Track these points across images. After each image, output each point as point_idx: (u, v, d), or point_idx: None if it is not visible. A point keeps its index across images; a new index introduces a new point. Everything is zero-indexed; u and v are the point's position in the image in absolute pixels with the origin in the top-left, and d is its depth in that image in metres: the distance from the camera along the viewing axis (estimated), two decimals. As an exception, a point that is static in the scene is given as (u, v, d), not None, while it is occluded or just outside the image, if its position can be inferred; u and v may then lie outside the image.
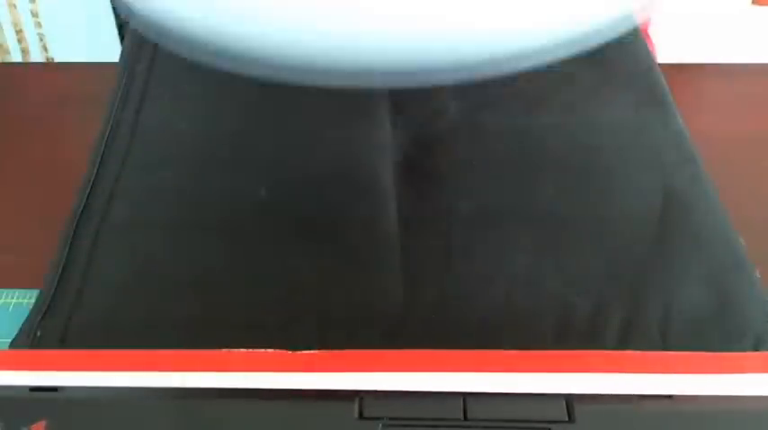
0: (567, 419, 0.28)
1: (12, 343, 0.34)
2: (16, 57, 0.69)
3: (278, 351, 0.32)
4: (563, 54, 0.32)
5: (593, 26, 0.32)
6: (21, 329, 0.35)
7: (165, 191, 0.41)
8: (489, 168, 0.43)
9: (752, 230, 0.41)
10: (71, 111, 0.51)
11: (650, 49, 0.59)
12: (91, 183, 0.41)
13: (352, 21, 0.29)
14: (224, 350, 0.32)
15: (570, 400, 0.29)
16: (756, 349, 0.35)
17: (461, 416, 0.29)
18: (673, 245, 0.39)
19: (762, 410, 0.30)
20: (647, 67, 0.50)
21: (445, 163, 0.43)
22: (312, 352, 0.32)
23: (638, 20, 0.31)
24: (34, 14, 0.67)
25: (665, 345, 0.35)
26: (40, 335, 0.35)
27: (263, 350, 0.32)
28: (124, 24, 0.71)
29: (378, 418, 0.28)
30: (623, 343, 0.35)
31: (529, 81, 0.49)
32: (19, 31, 0.67)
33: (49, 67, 0.66)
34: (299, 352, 0.32)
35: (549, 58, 0.32)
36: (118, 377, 0.30)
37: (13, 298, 0.38)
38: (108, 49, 0.48)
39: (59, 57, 0.69)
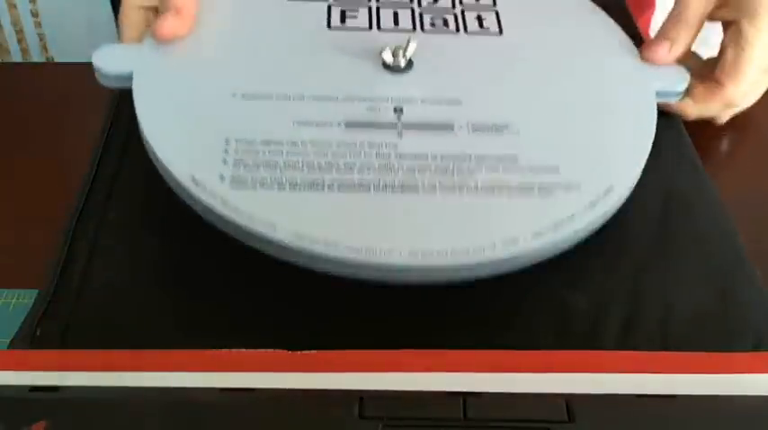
0: (566, 419, 0.28)
1: (11, 343, 0.34)
2: (16, 57, 0.69)
3: (278, 351, 0.32)
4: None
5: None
6: (20, 329, 0.35)
7: (165, 190, 0.41)
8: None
9: (752, 230, 0.41)
10: (71, 111, 0.51)
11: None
12: (90, 183, 0.41)
13: None
14: (224, 350, 0.32)
15: (570, 400, 0.29)
16: (757, 349, 0.35)
17: (461, 416, 0.29)
18: (673, 244, 0.39)
19: (762, 411, 0.30)
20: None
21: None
22: (312, 352, 0.32)
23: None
24: (34, 14, 0.67)
25: (665, 345, 0.35)
26: (39, 335, 0.35)
27: (263, 350, 0.32)
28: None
29: (378, 418, 0.28)
30: (623, 343, 0.35)
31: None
32: (19, 31, 0.67)
33: (49, 66, 0.66)
34: (298, 352, 0.32)
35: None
36: (118, 377, 0.30)
37: (12, 298, 0.38)
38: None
39: (59, 57, 0.69)
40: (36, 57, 0.69)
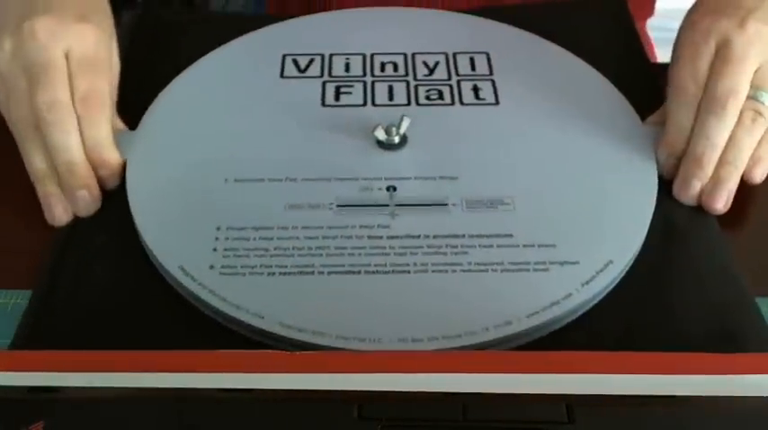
0: (566, 420, 0.28)
1: (9, 344, 0.34)
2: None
3: (278, 351, 0.32)
4: None
5: None
6: (18, 330, 0.35)
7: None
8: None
9: (750, 233, 0.41)
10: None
11: (649, 49, 0.59)
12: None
13: None
14: (223, 350, 0.32)
15: (570, 401, 0.29)
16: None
17: (460, 416, 0.29)
18: (671, 274, 0.38)
19: (762, 411, 0.30)
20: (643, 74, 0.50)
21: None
22: (312, 352, 0.32)
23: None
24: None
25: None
26: (37, 336, 0.35)
27: (262, 351, 0.32)
28: (122, 24, 0.71)
29: (377, 419, 0.28)
30: (623, 344, 0.35)
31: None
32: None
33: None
34: (298, 352, 0.32)
35: None
36: (116, 377, 0.30)
37: (11, 299, 0.38)
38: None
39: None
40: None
